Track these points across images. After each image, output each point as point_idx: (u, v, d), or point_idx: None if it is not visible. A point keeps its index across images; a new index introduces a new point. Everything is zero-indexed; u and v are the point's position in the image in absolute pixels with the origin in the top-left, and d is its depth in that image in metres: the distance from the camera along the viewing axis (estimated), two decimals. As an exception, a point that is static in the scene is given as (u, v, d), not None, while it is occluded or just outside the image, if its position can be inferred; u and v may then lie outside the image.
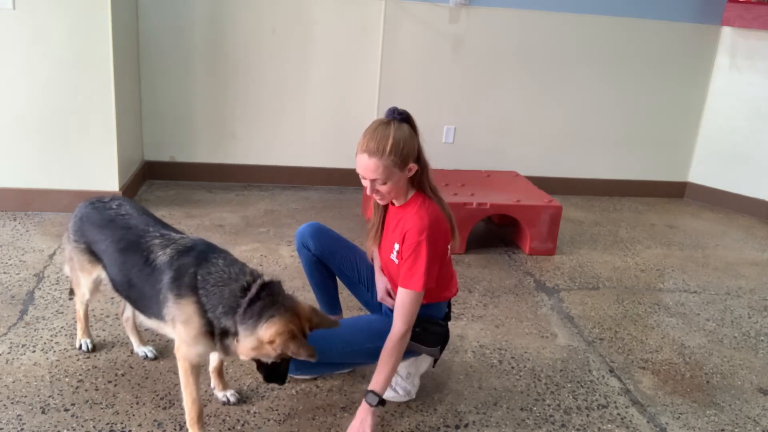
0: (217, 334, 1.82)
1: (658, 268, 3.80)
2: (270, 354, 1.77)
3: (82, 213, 2.19)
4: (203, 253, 1.90)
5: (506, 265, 3.63)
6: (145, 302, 1.97)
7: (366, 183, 2.04)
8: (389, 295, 2.23)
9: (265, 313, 1.75)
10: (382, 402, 2.04)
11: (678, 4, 4.77)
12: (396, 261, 2.09)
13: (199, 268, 1.85)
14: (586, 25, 4.70)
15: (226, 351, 1.84)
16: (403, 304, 2.02)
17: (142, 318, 2.07)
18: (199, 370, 1.95)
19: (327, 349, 2.18)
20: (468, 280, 3.37)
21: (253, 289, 1.78)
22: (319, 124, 4.61)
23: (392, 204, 2.15)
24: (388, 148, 1.94)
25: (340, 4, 4.39)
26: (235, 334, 1.78)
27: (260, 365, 1.87)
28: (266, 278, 1.83)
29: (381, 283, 2.28)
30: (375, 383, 2.04)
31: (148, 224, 2.05)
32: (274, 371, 1.87)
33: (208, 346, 1.88)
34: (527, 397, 2.41)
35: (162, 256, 1.90)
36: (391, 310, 2.23)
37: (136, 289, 1.98)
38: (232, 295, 1.79)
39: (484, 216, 3.75)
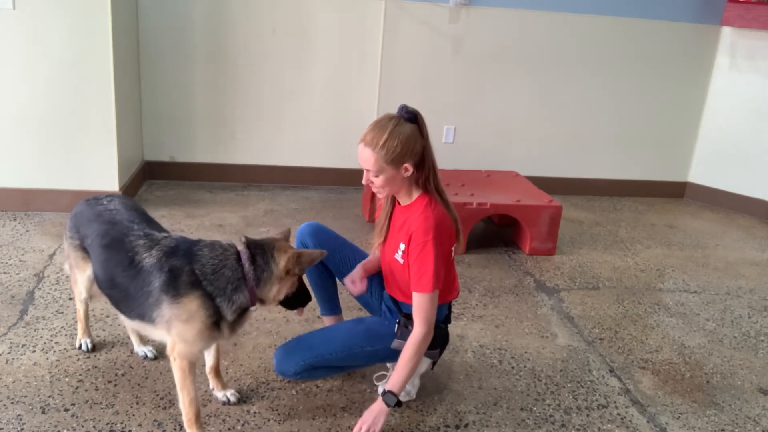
0: (228, 320, 1.90)
1: (658, 268, 3.80)
2: (294, 283, 1.98)
3: (77, 210, 2.21)
4: (188, 250, 1.92)
5: (506, 265, 3.63)
6: (129, 303, 1.97)
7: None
8: (353, 282, 2.27)
9: (268, 259, 1.92)
10: (399, 403, 2.06)
11: (678, 4, 4.77)
12: (401, 261, 2.09)
13: (193, 264, 1.88)
14: (586, 25, 4.70)
15: (233, 330, 1.95)
16: (418, 307, 2.04)
17: (121, 318, 2.08)
18: (195, 368, 1.95)
19: (327, 353, 2.18)
20: (468, 280, 3.36)
21: (244, 255, 1.91)
22: (319, 124, 4.61)
23: (398, 203, 2.16)
24: (381, 142, 1.97)
25: (340, 4, 4.39)
26: (253, 303, 1.93)
27: (286, 301, 2.02)
28: (242, 239, 1.96)
29: (357, 269, 2.30)
30: (393, 384, 2.05)
31: (133, 220, 2.06)
32: (298, 297, 2.04)
33: (211, 338, 1.94)
34: (527, 397, 2.41)
35: (148, 258, 1.90)
36: (390, 312, 2.24)
37: (120, 289, 1.98)
38: (233, 270, 1.90)
39: (484, 216, 3.75)
